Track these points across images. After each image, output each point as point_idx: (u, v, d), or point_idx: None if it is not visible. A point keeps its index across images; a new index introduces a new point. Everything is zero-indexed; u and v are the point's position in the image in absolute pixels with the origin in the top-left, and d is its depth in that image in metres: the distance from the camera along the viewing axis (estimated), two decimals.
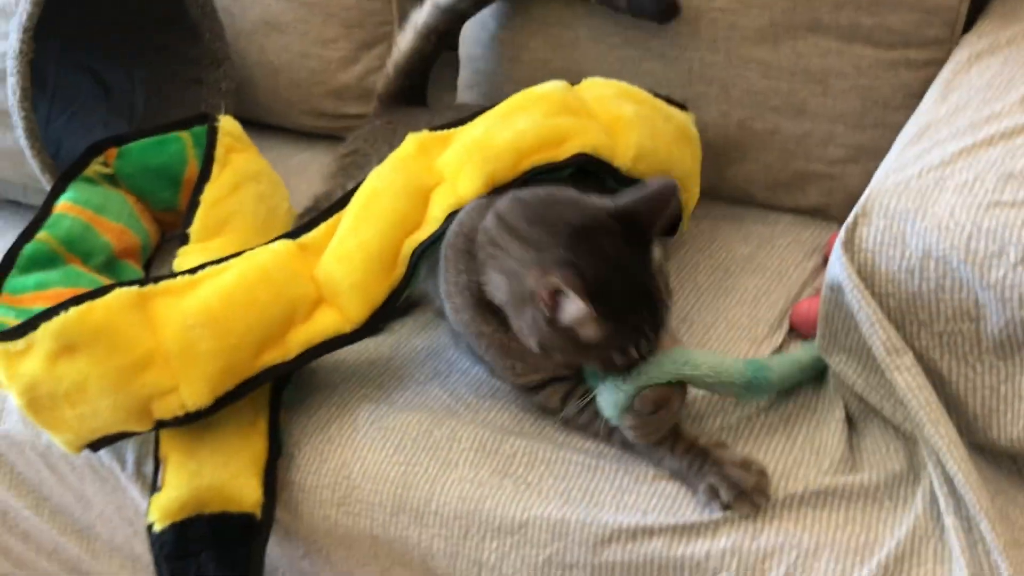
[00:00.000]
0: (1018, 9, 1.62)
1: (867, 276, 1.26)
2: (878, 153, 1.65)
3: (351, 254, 1.42)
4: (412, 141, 1.52)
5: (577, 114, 1.53)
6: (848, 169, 1.70)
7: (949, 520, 1.19)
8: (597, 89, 1.62)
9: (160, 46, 2.03)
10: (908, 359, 1.24)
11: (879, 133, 1.67)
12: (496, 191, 1.43)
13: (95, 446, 1.40)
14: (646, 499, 1.28)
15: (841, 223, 1.69)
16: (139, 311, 1.36)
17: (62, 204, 1.66)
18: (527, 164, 1.46)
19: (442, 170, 1.48)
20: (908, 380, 1.23)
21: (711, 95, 1.72)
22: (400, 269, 1.42)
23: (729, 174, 1.76)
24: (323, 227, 1.47)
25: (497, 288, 1.29)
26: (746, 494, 1.24)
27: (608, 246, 1.24)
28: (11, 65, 1.68)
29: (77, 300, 1.36)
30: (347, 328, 1.42)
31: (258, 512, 1.36)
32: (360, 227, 1.43)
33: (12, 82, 1.68)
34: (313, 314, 1.42)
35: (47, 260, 1.59)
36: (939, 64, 1.63)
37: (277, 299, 1.39)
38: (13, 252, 1.56)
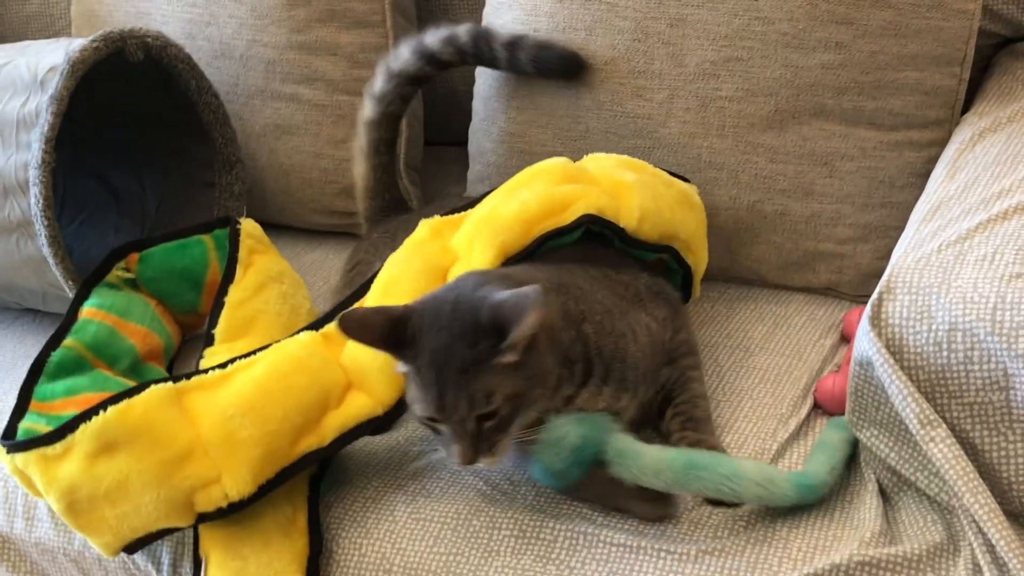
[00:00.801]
0: (1015, 88, 1.69)
1: (895, 350, 1.29)
2: (886, 232, 1.70)
3: None
4: (425, 226, 1.58)
5: (579, 181, 1.59)
6: (858, 248, 1.74)
7: None
8: (597, 161, 1.68)
9: (171, 150, 2.06)
10: (942, 431, 1.27)
11: (886, 212, 1.72)
12: (508, 262, 1.49)
13: (132, 548, 1.41)
14: None
15: (852, 300, 1.75)
16: (175, 406, 1.40)
17: (87, 310, 1.68)
18: (536, 231, 1.52)
19: (456, 249, 1.53)
20: (944, 451, 1.26)
21: (721, 180, 1.76)
22: None
23: (741, 256, 1.80)
24: None
25: None
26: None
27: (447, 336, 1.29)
28: (34, 175, 1.70)
29: (114, 400, 1.40)
30: (379, 410, 1.45)
31: None
32: None
33: (35, 192, 1.70)
34: (345, 399, 1.45)
35: (75, 366, 1.60)
36: (941, 144, 1.69)
37: (311, 385, 1.42)
38: (41, 359, 1.58)
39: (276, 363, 1.44)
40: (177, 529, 1.41)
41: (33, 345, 1.60)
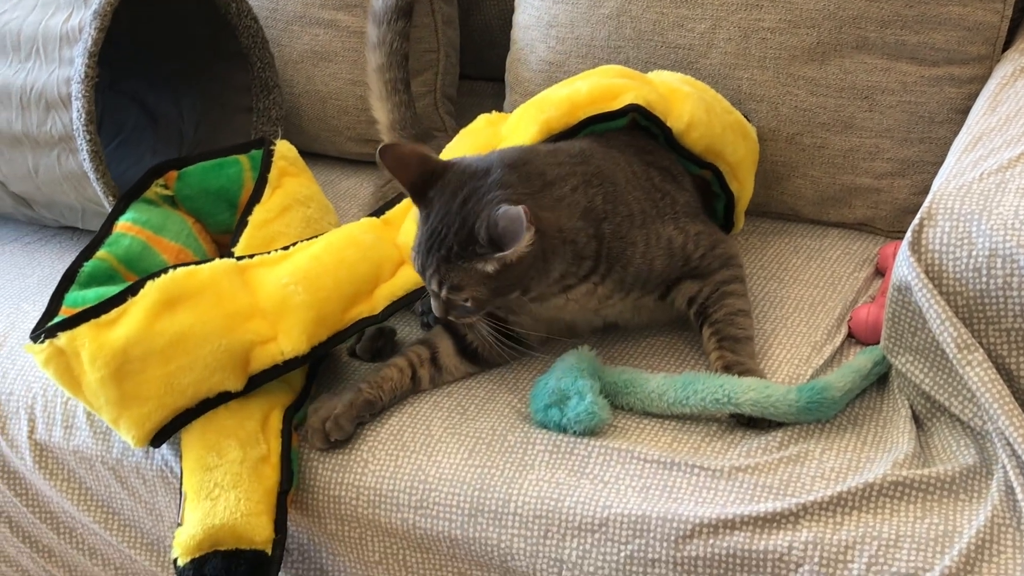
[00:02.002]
0: None
1: (934, 276, 1.30)
2: (923, 167, 1.71)
3: None
4: (481, 118, 1.69)
5: (634, 79, 1.62)
6: (895, 182, 1.74)
7: None
8: (660, 75, 1.71)
9: (209, 74, 2.07)
10: (979, 355, 1.27)
11: (925, 147, 1.72)
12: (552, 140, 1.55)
13: (162, 434, 1.44)
14: (724, 494, 1.30)
15: (888, 235, 1.75)
16: (238, 276, 1.51)
17: (122, 224, 1.69)
18: (582, 114, 1.56)
19: (506, 135, 1.60)
20: (980, 375, 1.27)
21: (761, 112, 1.76)
22: None
23: (777, 190, 1.80)
24: (404, 202, 1.61)
25: None
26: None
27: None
28: (76, 89, 1.71)
29: (178, 266, 1.49)
30: None
31: (268, 549, 1.39)
32: None
33: (77, 105, 1.71)
34: (397, 272, 1.54)
35: (106, 277, 1.61)
36: (982, 80, 1.69)
37: (363, 259, 1.53)
38: (73, 269, 1.60)
39: (332, 240, 1.55)
40: (220, 400, 1.45)
41: (70, 262, 1.61)
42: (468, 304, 1.39)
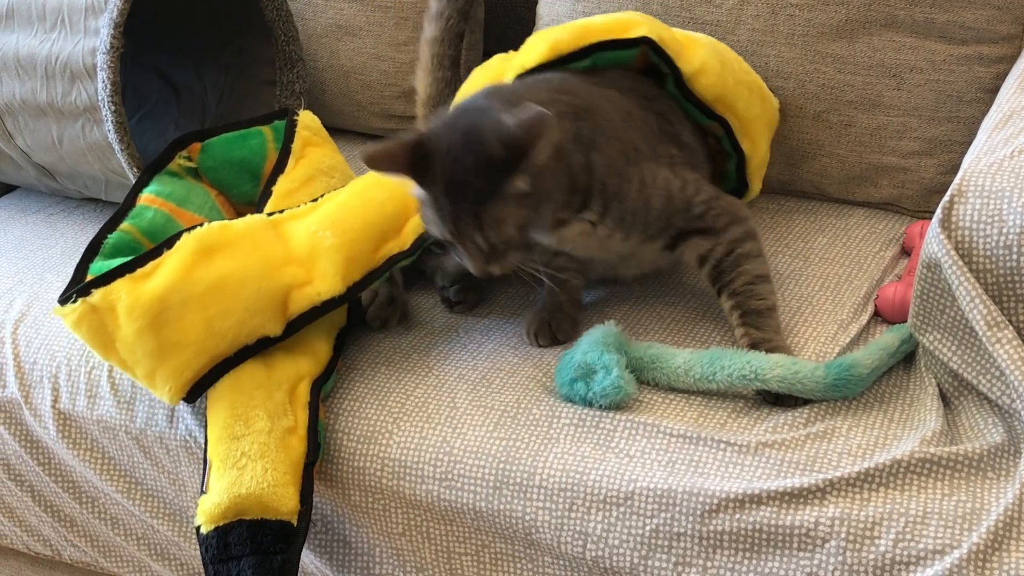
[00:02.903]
0: None
1: (964, 253, 1.29)
2: (951, 146, 1.70)
3: None
4: (496, 57, 1.70)
5: (651, 22, 1.62)
6: (922, 162, 1.73)
7: None
8: (684, 32, 1.72)
9: (233, 48, 2.07)
10: (1009, 332, 1.27)
11: (952, 126, 1.71)
12: (560, 63, 1.56)
13: (197, 388, 1.45)
14: (751, 469, 1.30)
15: (914, 215, 1.74)
16: (272, 229, 1.53)
17: (145, 196, 1.69)
18: (593, 38, 1.57)
19: (515, 59, 1.62)
20: (1010, 352, 1.26)
21: (788, 89, 1.76)
22: None
23: (803, 169, 1.80)
24: None
25: None
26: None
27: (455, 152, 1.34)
28: (102, 60, 1.71)
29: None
30: None
31: (294, 520, 1.39)
32: None
33: (102, 76, 1.71)
34: None
35: (130, 249, 1.61)
36: (1011, 60, 1.68)
37: (389, 199, 1.54)
38: (97, 240, 1.60)
39: (357, 185, 1.58)
40: (260, 346, 1.46)
41: (94, 233, 1.61)
42: (514, 236, 1.36)
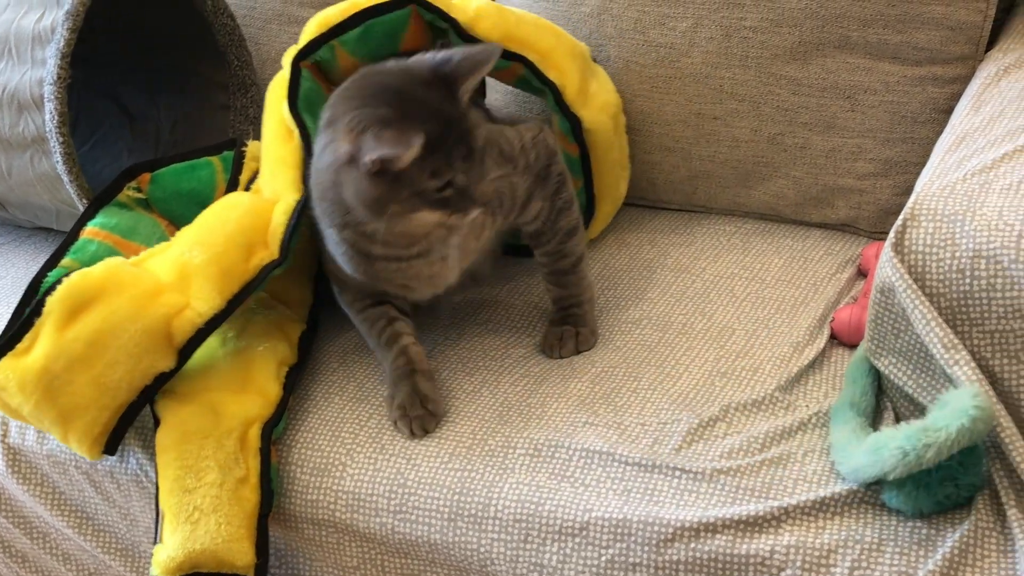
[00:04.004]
0: None
1: (918, 277, 1.28)
2: (906, 167, 1.70)
3: None
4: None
5: None
6: (878, 183, 1.73)
7: (1011, 512, 1.21)
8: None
9: (186, 72, 2.05)
10: (965, 354, 1.26)
11: (907, 147, 1.71)
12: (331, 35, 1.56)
13: (113, 439, 1.44)
14: (706, 496, 1.29)
15: (871, 236, 1.74)
16: (135, 267, 1.49)
17: (89, 229, 1.67)
18: (355, 9, 1.56)
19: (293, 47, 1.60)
20: (968, 373, 1.25)
21: (742, 111, 1.75)
22: None
23: (759, 191, 1.79)
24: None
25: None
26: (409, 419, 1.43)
27: (416, 93, 1.32)
28: (49, 91, 1.69)
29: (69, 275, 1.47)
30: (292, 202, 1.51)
31: (250, 574, 1.39)
32: None
33: (50, 107, 1.69)
34: (273, 211, 1.52)
35: None
36: (965, 80, 1.68)
37: (246, 213, 1.51)
38: (38, 279, 1.57)
39: (210, 210, 1.55)
40: (159, 383, 1.44)
41: (43, 263, 1.59)
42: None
